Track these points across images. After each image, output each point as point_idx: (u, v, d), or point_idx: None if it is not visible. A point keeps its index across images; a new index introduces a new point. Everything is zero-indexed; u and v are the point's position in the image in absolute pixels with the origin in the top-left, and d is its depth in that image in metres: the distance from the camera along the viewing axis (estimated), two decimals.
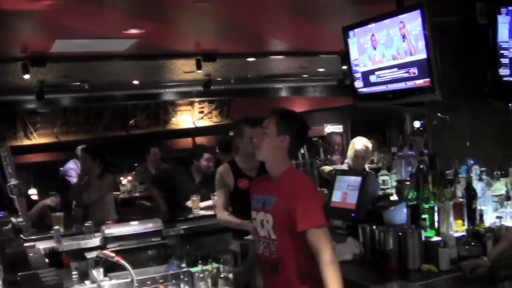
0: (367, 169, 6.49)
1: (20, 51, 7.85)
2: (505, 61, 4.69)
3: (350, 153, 6.34)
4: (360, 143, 6.27)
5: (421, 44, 4.56)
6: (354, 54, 5.39)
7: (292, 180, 3.31)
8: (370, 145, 6.38)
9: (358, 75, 5.40)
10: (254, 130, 5.00)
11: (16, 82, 10.09)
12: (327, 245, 3.09)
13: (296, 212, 3.15)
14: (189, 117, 16.93)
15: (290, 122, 3.38)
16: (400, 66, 4.85)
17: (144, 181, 9.64)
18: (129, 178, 10.25)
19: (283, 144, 3.34)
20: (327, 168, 6.92)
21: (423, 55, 4.58)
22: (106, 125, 15.73)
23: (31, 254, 4.47)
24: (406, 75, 4.80)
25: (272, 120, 3.37)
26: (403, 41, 4.74)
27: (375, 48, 5.09)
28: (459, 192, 4.10)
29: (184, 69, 10.58)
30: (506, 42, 4.69)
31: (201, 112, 17.06)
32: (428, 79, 4.59)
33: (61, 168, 9.84)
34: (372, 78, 5.21)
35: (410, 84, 4.79)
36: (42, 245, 5.09)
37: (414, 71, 4.72)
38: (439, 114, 5.13)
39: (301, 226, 3.13)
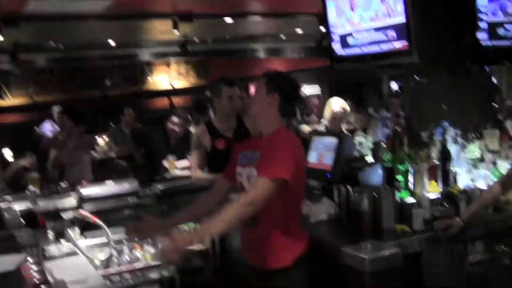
0: (344, 130, 6.52)
1: None
2: (483, 25, 4.68)
3: (327, 114, 6.37)
4: (337, 104, 6.30)
5: (400, 6, 4.54)
6: (332, 16, 5.35)
7: (278, 137, 3.35)
8: (347, 107, 6.41)
9: (336, 37, 5.37)
10: (232, 89, 4.99)
11: None
12: (256, 193, 3.11)
13: (265, 161, 3.22)
14: (166, 77, 16.80)
15: (279, 82, 3.44)
16: (378, 29, 4.83)
17: (118, 141, 9.64)
18: (105, 138, 10.18)
19: (273, 101, 3.39)
20: (306, 128, 6.95)
21: (402, 18, 4.56)
22: (82, 86, 15.55)
23: (6, 215, 4.47)
24: (384, 37, 4.79)
25: (261, 81, 3.45)
26: (382, 4, 4.72)
27: (353, 10, 5.07)
28: (434, 154, 4.14)
29: (161, 29, 10.48)
30: (485, 6, 4.67)
31: (179, 73, 16.94)
32: (406, 42, 4.59)
33: (36, 129, 9.76)
34: (350, 40, 5.20)
35: (388, 46, 4.78)
36: (18, 206, 5.07)
37: (392, 33, 4.70)
38: (416, 77, 5.14)
39: (259, 173, 3.19)
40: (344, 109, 6.30)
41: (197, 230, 3.04)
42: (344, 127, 6.67)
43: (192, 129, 7.90)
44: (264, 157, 3.27)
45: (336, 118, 6.23)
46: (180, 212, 3.69)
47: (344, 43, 5.28)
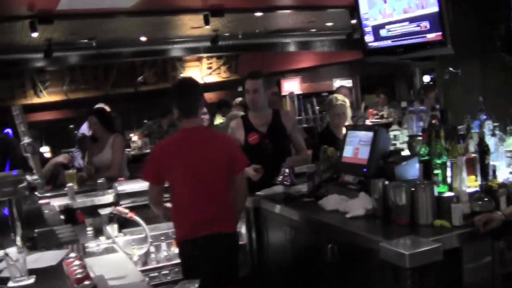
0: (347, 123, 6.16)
1: (27, 9, 7.81)
2: None
3: (330, 112, 6.07)
4: (336, 99, 6.01)
5: None
6: (364, 7, 5.31)
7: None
8: (347, 100, 6.11)
9: (368, 29, 5.33)
10: (251, 81, 5.03)
11: (24, 40, 10.07)
12: None
13: None
14: (197, 72, 16.86)
15: None
16: (411, 20, 4.78)
17: (156, 137, 9.74)
18: (139, 134, 10.27)
19: None
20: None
21: (435, 8, 4.51)
22: (114, 82, 15.68)
23: (46, 211, 4.54)
24: (418, 29, 4.74)
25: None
26: None
27: (385, 2, 5.02)
28: (472, 148, 4.07)
29: (192, 24, 10.52)
30: None
31: (210, 68, 16.99)
32: (440, 33, 4.53)
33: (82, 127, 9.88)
34: (383, 32, 5.15)
35: (421, 38, 4.73)
36: (57, 202, 5.13)
37: (425, 24, 4.65)
38: (450, 69, 5.08)
39: None
40: (344, 101, 5.98)
41: None
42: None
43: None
44: None
45: (340, 113, 5.90)
46: None
47: (376, 35, 5.24)
